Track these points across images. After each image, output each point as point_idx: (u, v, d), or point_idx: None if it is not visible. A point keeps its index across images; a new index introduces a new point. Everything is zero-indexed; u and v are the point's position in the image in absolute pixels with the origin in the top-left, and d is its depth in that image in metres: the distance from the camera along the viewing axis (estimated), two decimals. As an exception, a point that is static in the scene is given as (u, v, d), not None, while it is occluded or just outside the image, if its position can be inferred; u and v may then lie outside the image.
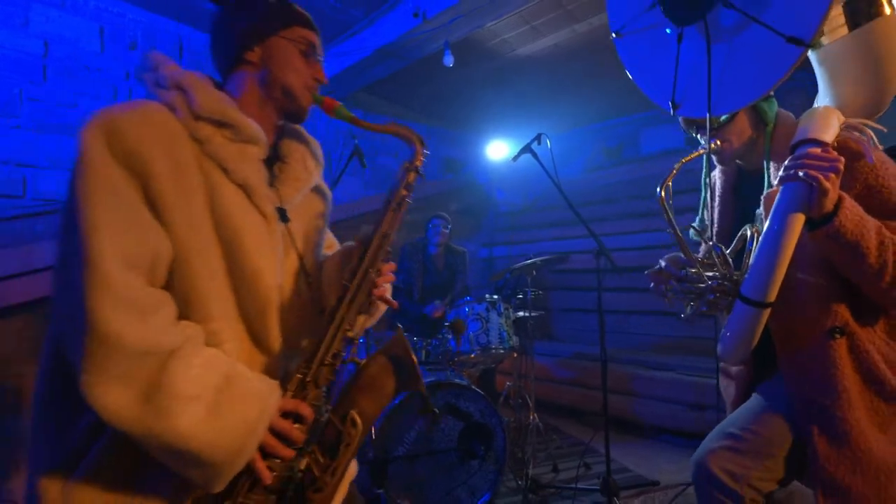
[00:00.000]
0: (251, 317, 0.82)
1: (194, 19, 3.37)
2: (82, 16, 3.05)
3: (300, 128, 0.99)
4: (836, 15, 1.09)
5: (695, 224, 1.32)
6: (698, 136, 1.26)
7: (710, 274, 1.08)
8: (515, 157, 2.50)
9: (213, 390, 0.71)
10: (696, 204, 1.35)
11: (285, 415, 0.77)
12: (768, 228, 0.97)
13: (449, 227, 3.17)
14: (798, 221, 0.94)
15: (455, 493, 2.04)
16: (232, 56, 0.87)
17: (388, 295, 0.95)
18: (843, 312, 1.01)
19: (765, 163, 1.17)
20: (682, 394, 2.86)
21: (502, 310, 2.34)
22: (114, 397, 0.64)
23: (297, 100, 0.89)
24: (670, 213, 1.06)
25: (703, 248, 1.44)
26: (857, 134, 1.06)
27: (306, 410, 0.79)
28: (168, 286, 0.75)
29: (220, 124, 0.80)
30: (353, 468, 1.02)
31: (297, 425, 0.78)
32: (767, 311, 0.97)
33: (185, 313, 0.75)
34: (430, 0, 2.90)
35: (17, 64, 2.77)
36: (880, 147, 1.08)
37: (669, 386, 2.93)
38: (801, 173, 0.92)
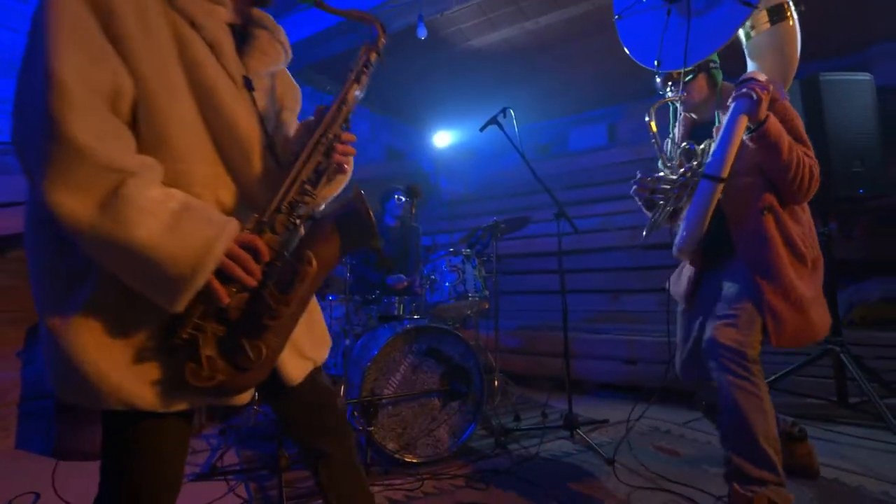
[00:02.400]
0: (235, 162, 0.85)
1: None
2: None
3: (268, 15, 1.00)
4: (762, 15, 1.70)
5: (666, 153, 1.77)
6: (668, 90, 1.74)
7: (682, 170, 1.59)
8: (483, 128, 2.70)
9: (169, 212, 0.72)
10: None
11: (243, 247, 0.78)
12: (724, 127, 1.46)
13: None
14: (744, 120, 1.43)
15: (436, 433, 2.13)
16: None
17: (349, 167, 0.98)
18: (768, 198, 1.52)
19: (715, 112, 1.68)
20: (617, 351, 3.22)
21: (476, 264, 2.50)
22: (72, 203, 0.66)
23: None
24: (657, 137, 1.58)
25: (663, 172, 1.91)
26: (774, 85, 1.56)
27: (262, 247, 0.80)
28: (135, 130, 0.76)
29: None
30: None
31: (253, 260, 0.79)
32: (722, 186, 1.44)
33: (153, 154, 0.76)
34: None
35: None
36: (787, 97, 1.62)
37: (605, 346, 3.28)
38: (744, 89, 1.43)
